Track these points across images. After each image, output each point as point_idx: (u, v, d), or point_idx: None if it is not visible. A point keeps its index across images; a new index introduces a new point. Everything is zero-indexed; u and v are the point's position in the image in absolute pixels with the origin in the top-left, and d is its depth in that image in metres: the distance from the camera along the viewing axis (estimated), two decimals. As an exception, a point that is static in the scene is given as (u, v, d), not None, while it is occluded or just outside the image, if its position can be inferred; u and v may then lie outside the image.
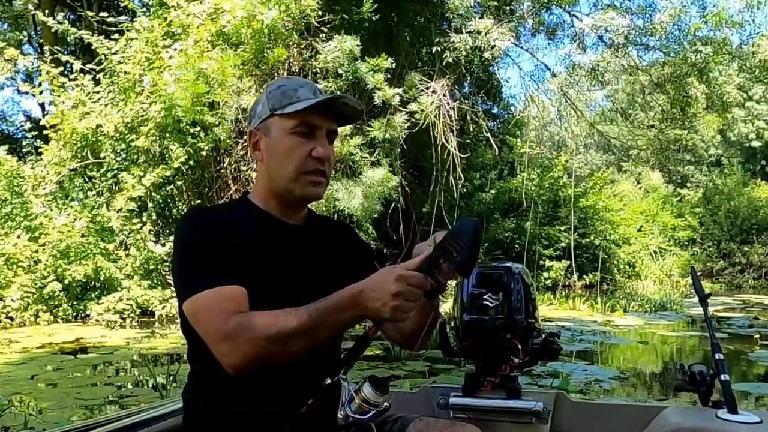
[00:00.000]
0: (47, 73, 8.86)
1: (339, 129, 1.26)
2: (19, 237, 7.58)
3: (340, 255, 1.29)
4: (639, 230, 18.47)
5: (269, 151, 1.20)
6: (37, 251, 7.67)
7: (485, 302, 1.44)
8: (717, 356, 1.29)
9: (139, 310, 7.92)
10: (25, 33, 17.15)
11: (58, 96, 8.93)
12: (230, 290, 1.07)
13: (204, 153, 8.76)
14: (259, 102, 1.23)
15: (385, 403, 1.01)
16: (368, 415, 1.00)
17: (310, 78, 8.68)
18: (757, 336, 6.78)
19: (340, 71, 8.53)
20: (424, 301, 1.04)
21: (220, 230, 1.14)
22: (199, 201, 9.29)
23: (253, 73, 8.71)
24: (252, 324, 1.03)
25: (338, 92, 8.48)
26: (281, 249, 1.20)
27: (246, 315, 1.05)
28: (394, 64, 8.84)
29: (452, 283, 1.11)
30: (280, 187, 1.20)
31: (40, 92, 9.82)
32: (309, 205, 1.29)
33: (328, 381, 1.04)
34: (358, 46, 8.34)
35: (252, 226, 1.19)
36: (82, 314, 7.81)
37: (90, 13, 9.94)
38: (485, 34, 9.54)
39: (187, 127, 8.49)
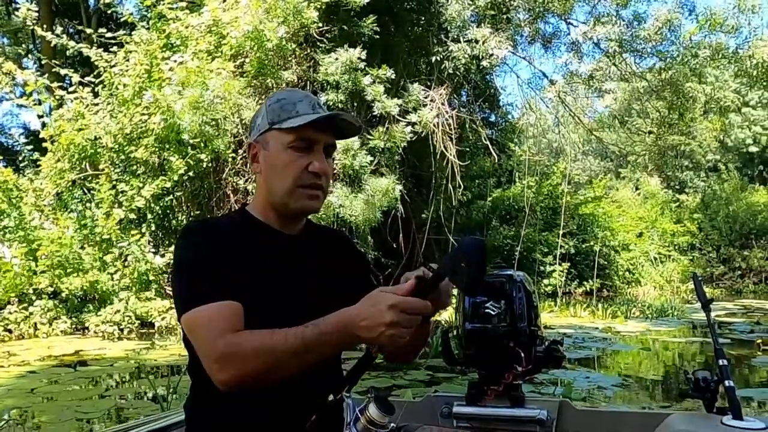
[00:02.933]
0: (46, 87, 8.87)
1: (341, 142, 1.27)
2: (17, 249, 7.57)
3: (337, 264, 1.30)
4: (639, 236, 18.47)
5: (267, 164, 1.21)
6: (35, 263, 7.66)
7: (487, 310, 1.44)
8: (721, 362, 1.28)
9: (139, 322, 7.89)
10: (24, 47, 17.21)
11: (57, 109, 8.95)
12: (225, 307, 1.07)
13: (204, 164, 8.76)
14: (259, 114, 1.24)
15: (392, 424, 0.99)
16: None
17: (309, 89, 8.69)
18: (760, 341, 6.74)
19: (340, 81, 8.53)
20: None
21: (218, 244, 1.15)
22: (198, 212, 9.27)
23: (252, 84, 8.73)
24: (241, 345, 1.02)
25: (339, 104, 8.48)
26: (279, 260, 1.20)
27: (236, 336, 1.04)
28: (393, 74, 8.85)
29: (453, 291, 1.11)
30: (277, 199, 1.21)
31: (39, 104, 9.82)
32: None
33: (331, 398, 1.03)
34: (360, 59, 8.35)
35: (250, 238, 1.20)
36: (81, 326, 7.78)
37: (89, 30, 9.95)
38: (483, 43, 9.57)
39: (187, 139, 8.49)
